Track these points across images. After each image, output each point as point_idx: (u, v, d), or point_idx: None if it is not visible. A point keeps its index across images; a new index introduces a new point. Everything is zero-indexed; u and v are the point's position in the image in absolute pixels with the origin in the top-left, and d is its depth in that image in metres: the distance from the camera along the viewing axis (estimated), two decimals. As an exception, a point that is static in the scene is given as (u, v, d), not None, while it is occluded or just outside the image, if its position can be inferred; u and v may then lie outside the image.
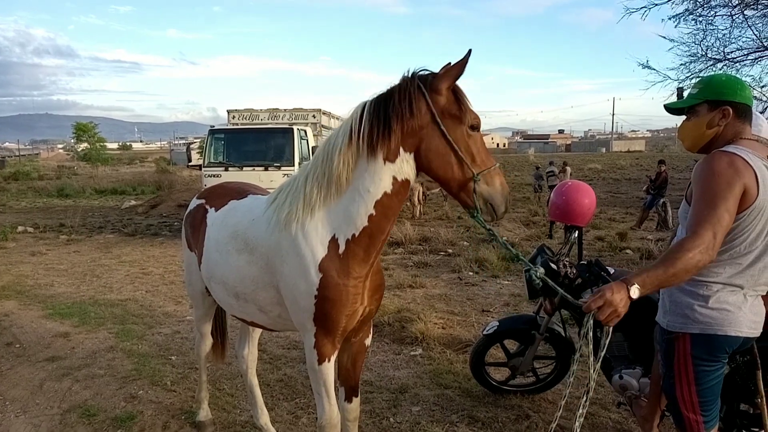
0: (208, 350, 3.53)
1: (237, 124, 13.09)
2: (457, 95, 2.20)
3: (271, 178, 10.46)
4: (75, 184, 24.87)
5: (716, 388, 2.22)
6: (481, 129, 2.28)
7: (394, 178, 2.26)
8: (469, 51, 2.18)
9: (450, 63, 2.19)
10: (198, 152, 12.72)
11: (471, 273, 8.00)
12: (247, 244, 2.60)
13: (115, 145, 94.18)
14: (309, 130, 12.45)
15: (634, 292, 1.84)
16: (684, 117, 2.36)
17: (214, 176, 11.04)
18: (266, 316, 2.66)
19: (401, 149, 2.23)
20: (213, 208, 3.01)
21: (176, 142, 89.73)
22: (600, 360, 2.04)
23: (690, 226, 1.97)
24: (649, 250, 8.98)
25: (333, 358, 2.46)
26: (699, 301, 2.14)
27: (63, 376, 4.37)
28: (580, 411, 2.05)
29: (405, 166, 2.25)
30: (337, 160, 2.26)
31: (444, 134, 2.17)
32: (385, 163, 2.23)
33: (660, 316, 2.31)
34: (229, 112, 13.50)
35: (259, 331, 3.54)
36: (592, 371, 2.06)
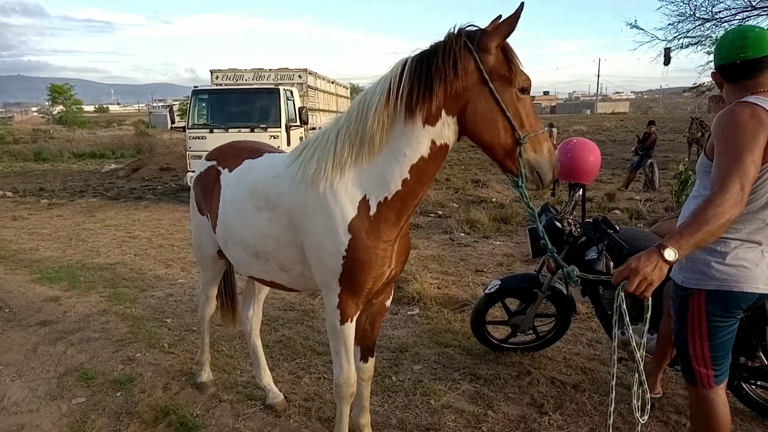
0: (212, 313, 3.49)
1: (220, 85, 12.71)
2: (507, 54, 2.03)
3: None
4: (52, 147, 24.19)
5: (728, 343, 2.24)
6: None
7: (433, 142, 2.14)
8: (522, 5, 2.00)
9: (500, 17, 2.02)
10: (179, 114, 12.39)
11: (462, 234, 8.00)
12: (268, 202, 2.51)
13: (91, 108, 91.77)
14: (295, 90, 12.16)
15: (669, 254, 1.79)
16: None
17: (199, 138, 10.79)
18: (287, 275, 2.60)
19: (443, 112, 2.09)
20: (226, 169, 2.90)
21: (155, 104, 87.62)
22: (642, 349, 1.94)
23: (716, 180, 1.92)
24: (637, 210, 9.07)
25: (355, 319, 2.42)
26: (716, 258, 2.12)
27: (57, 340, 4.30)
28: (636, 402, 1.96)
29: (446, 129, 2.12)
30: (372, 120, 2.12)
31: (494, 97, 2.02)
32: (424, 126, 2.10)
33: (675, 272, 2.29)
34: (212, 72, 13.10)
35: (265, 293, 3.50)
36: (637, 354, 1.93)
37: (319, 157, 2.28)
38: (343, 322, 2.38)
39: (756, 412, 3.12)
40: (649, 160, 12.54)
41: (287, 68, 13.32)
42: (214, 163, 3.04)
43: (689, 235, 1.83)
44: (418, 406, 3.31)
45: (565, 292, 3.75)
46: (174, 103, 39.84)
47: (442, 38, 2.08)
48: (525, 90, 2.06)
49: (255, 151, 2.93)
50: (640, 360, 1.96)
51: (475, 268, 6.22)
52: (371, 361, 2.76)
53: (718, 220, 1.82)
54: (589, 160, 3.43)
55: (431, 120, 2.10)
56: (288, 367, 3.85)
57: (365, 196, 2.24)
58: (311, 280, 2.51)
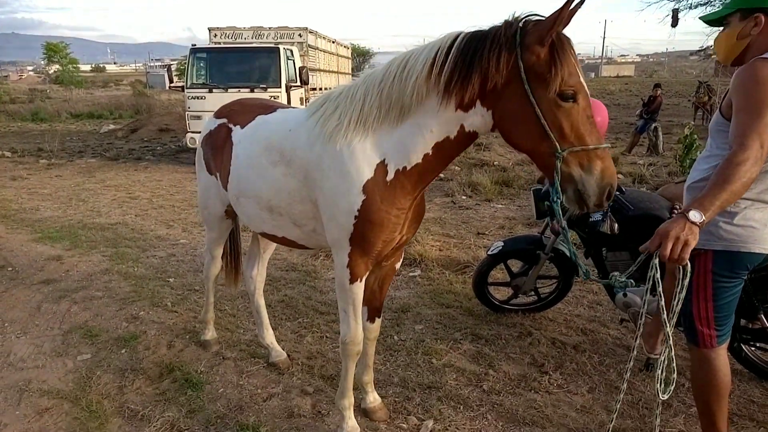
0: (217, 273, 3.49)
1: (219, 43, 12.47)
2: (554, 54, 1.79)
3: None
4: (49, 107, 23.91)
5: (733, 304, 2.24)
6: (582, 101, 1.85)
7: (462, 127, 2.04)
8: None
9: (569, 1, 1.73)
10: (177, 74, 12.19)
11: (464, 197, 7.97)
12: (283, 156, 2.47)
13: (87, 67, 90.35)
14: (295, 49, 11.92)
15: (694, 215, 1.77)
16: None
17: (198, 98, 10.64)
18: (300, 231, 2.58)
19: (478, 102, 1.96)
20: (237, 126, 2.85)
21: (152, 64, 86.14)
22: (675, 315, 1.94)
23: (735, 138, 1.89)
24: (641, 175, 9.01)
25: (364, 279, 2.42)
26: (725, 218, 2.10)
27: (60, 299, 4.33)
28: (660, 368, 2.02)
29: (477, 119, 2.00)
30: (411, 88, 2.02)
31: (528, 98, 1.84)
32: (456, 110, 2.01)
33: (682, 232, 2.27)
34: (210, 30, 12.82)
35: (269, 252, 3.49)
36: (667, 328, 1.94)
37: (341, 113, 2.22)
38: (352, 281, 2.38)
39: (755, 373, 3.15)
40: (654, 124, 12.38)
41: (287, 27, 13.04)
42: (224, 120, 2.98)
43: (712, 196, 1.81)
44: (419, 365, 3.35)
45: (567, 253, 3.75)
46: (172, 62, 39.21)
47: (500, 23, 1.93)
48: (566, 96, 1.81)
49: (267, 107, 2.87)
50: (669, 334, 1.96)
51: (476, 231, 6.21)
52: (378, 321, 2.77)
53: (740, 179, 1.80)
54: (596, 121, 3.34)
55: (464, 107, 1.99)
56: (290, 326, 3.88)
57: (384, 160, 2.18)
58: (322, 237, 2.49)
